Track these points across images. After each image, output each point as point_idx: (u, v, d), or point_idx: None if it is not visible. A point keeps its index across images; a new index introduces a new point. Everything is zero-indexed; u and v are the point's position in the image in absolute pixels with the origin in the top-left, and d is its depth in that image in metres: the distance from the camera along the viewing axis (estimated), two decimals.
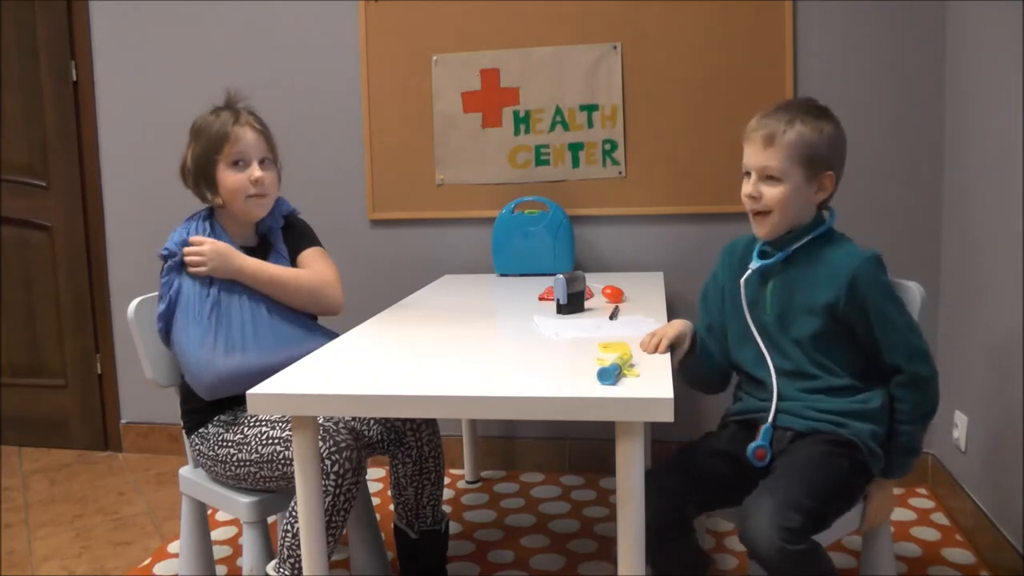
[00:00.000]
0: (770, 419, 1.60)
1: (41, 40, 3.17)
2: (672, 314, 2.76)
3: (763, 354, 1.64)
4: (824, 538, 1.54)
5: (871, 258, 1.58)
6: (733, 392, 1.80)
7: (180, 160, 1.91)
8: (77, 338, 3.29)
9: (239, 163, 1.85)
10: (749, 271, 1.66)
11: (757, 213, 1.61)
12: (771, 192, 1.58)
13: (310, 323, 1.93)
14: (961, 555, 2.20)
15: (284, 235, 2.00)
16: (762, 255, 1.66)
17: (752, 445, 1.58)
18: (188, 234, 1.86)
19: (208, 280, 1.82)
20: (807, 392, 1.60)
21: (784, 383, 1.62)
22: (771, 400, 1.61)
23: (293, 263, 1.98)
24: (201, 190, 1.89)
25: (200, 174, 1.87)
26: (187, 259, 1.82)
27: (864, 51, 2.58)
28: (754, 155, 1.60)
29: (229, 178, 1.85)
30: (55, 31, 3.15)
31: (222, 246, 1.85)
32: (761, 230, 1.63)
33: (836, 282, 1.57)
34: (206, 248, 1.82)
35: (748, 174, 1.62)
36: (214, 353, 1.78)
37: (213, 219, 1.92)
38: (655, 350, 1.54)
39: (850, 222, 2.62)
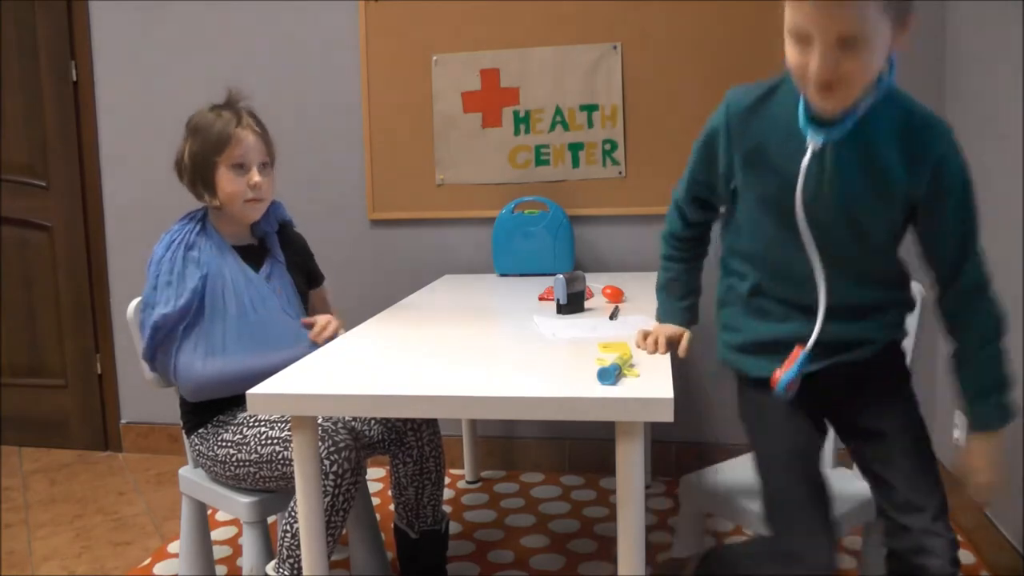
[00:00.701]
0: (810, 345, 1.29)
1: (41, 40, 3.17)
2: None
3: (806, 260, 1.28)
4: None
5: (950, 131, 1.24)
6: (725, 300, 1.47)
7: (176, 154, 1.91)
8: (77, 338, 3.29)
9: (238, 166, 1.85)
10: (810, 151, 1.22)
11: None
12: (853, 65, 1.13)
13: (298, 328, 1.92)
14: (961, 555, 2.20)
15: (280, 240, 2.01)
16: (815, 121, 1.24)
17: (784, 378, 1.29)
18: (179, 239, 1.86)
19: (197, 282, 1.82)
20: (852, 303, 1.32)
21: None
22: (808, 318, 1.30)
23: (291, 271, 1.98)
24: (198, 190, 1.88)
25: (198, 174, 1.87)
26: (322, 338, 1.89)
27: None
28: (823, 14, 1.10)
29: (229, 182, 1.85)
30: (55, 31, 3.14)
31: (333, 319, 1.97)
32: (830, 104, 1.19)
33: (918, 162, 1.22)
34: (336, 324, 1.94)
35: (803, 38, 1.14)
36: (194, 356, 1.78)
37: (206, 219, 1.92)
38: (655, 350, 1.52)
39: None
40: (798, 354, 1.30)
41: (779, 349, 1.34)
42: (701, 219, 1.56)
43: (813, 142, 1.22)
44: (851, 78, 1.15)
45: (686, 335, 1.57)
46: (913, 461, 1.34)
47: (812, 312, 1.30)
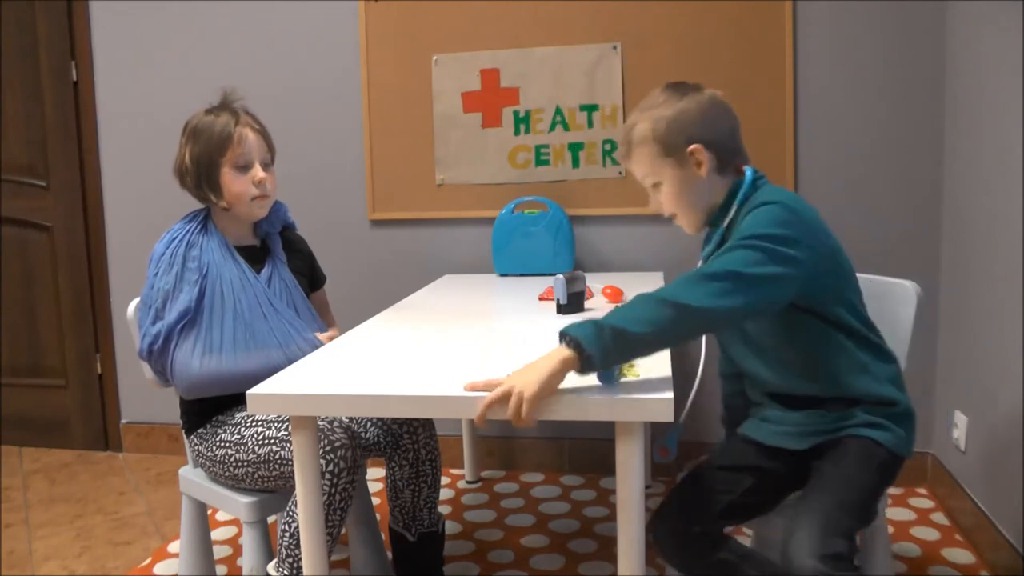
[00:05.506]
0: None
1: (41, 40, 3.16)
2: None
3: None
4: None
5: (764, 204, 1.42)
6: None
7: (175, 160, 1.90)
8: (77, 338, 3.29)
9: (242, 166, 1.86)
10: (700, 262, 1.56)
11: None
12: (662, 199, 1.56)
13: (294, 329, 1.90)
14: (961, 555, 2.20)
15: (282, 242, 2.01)
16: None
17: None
18: (180, 236, 1.86)
19: (195, 287, 1.82)
20: None
21: None
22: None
23: (293, 273, 1.98)
24: (203, 193, 1.88)
25: (202, 176, 1.86)
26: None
27: (864, 51, 2.58)
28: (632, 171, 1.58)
29: (234, 182, 1.85)
30: (55, 31, 3.14)
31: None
32: (686, 228, 1.60)
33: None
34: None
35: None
36: (191, 354, 1.79)
37: (209, 219, 1.92)
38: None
39: (850, 222, 2.63)
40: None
41: None
42: None
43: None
44: (668, 209, 1.56)
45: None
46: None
47: None
